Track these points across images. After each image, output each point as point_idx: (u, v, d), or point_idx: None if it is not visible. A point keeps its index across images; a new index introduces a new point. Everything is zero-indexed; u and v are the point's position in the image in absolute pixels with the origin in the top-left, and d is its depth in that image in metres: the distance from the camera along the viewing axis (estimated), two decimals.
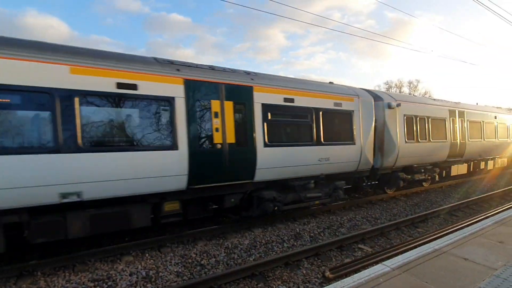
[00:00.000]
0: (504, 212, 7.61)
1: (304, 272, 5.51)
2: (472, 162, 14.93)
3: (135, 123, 5.95)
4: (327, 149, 8.56)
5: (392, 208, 10.10)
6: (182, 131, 6.20)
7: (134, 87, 5.73)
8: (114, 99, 5.64)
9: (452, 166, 13.51)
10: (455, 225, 8.06)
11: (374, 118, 9.94)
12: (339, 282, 3.87)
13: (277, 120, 7.77)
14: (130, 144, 5.84)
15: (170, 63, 6.56)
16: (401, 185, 11.57)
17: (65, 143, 5.09)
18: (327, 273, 5.31)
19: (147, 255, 6.04)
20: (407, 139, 10.89)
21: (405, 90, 54.95)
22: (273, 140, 7.56)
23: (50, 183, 4.98)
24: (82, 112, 5.28)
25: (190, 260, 5.85)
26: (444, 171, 13.33)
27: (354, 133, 9.26)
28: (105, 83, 5.49)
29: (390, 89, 53.87)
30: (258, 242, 6.83)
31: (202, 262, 5.82)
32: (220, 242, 6.75)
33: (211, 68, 7.14)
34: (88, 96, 5.37)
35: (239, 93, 7.13)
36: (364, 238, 7.13)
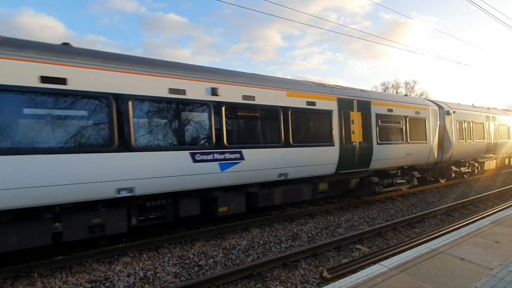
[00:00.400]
0: (500, 212, 7.68)
1: (302, 272, 5.52)
2: (499, 159, 17.93)
3: (316, 128, 8.91)
4: (411, 146, 11.45)
5: (389, 209, 10.15)
6: (336, 133, 9.09)
7: (314, 104, 8.68)
8: (305, 114, 8.52)
9: (485, 162, 16.50)
10: (451, 225, 8.11)
11: (438, 123, 12.91)
12: (337, 282, 3.88)
13: (384, 125, 10.61)
14: (312, 141, 8.60)
15: (323, 86, 9.66)
16: (452, 176, 14.79)
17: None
18: (325, 274, 5.33)
19: (144, 256, 6.02)
20: (459, 139, 13.82)
21: (402, 91, 55.23)
22: (382, 140, 10.43)
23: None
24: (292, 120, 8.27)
25: (188, 261, 5.85)
26: (480, 166, 16.34)
27: (427, 134, 12.24)
28: (301, 102, 8.35)
29: (387, 90, 54.14)
30: (256, 243, 6.84)
31: (200, 262, 5.82)
32: (218, 243, 6.75)
33: (344, 88, 10.35)
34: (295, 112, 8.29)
35: (364, 106, 10.03)
36: (361, 239, 7.16)
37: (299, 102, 8.32)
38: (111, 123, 5.57)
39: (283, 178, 7.99)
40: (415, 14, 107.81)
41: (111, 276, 5.19)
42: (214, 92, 6.81)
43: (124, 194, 5.69)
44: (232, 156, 6.99)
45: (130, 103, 5.76)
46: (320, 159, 8.71)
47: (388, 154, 10.60)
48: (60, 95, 5.14)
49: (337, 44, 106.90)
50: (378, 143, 10.16)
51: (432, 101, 13.56)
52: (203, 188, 6.83)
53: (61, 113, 5.22)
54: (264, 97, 7.67)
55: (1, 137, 4.64)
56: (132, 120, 5.77)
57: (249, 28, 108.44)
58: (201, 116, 6.74)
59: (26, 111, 4.96)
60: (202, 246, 6.55)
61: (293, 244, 6.93)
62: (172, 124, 6.45)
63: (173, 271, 5.46)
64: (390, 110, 10.80)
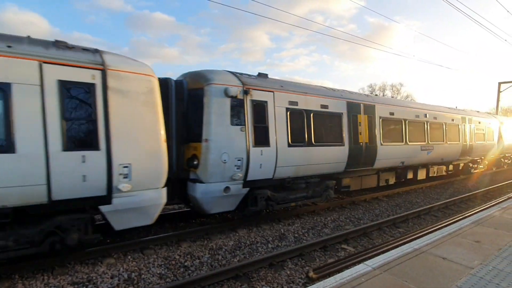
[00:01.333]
0: (481, 212, 7.91)
1: (288, 272, 5.55)
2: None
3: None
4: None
5: (374, 209, 10.31)
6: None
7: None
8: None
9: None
10: (434, 225, 8.31)
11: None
12: (322, 282, 3.91)
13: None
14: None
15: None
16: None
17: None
18: (311, 273, 5.36)
19: (129, 257, 5.92)
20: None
21: (388, 93, 56.25)
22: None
23: None
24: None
25: (173, 262, 5.78)
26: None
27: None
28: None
29: (373, 92, 55.00)
30: (242, 243, 6.82)
31: (186, 263, 5.76)
32: (205, 244, 6.71)
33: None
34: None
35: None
36: (347, 239, 7.25)
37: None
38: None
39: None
40: (399, 18, 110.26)
41: (94, 278, 5.08)
42: None
43: None
44: None
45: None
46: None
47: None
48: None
49: (324, 46, 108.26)
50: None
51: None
52: None
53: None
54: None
55: None
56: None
57: (236, 29, 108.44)
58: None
59: None
60: (188, 247, 6.49)
61: (279, 244, 6.95)
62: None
63: (158, 272, 5.38)
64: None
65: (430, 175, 14.34)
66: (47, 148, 4.66)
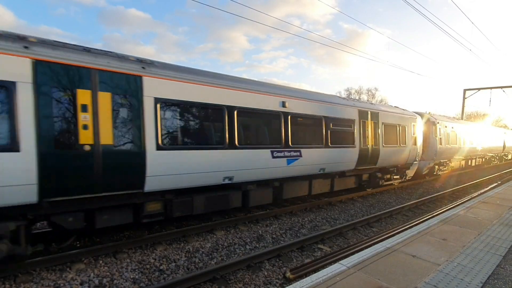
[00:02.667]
0: (447, 211, 8.33)
1: (266, 273, 5.55)
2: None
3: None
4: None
5: (350, 209, 10.58)
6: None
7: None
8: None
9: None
10: (405, 224, 8.66)
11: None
12: (298, 282, 3.94)
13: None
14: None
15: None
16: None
17: None
18: (288, 274, 5.40)
19: (101, 261, 5.68)
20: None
21: (364, 97, 58.10)
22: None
23: None
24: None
25: (148, 266, 5.61)
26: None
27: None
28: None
29: (350, 95, 56.62)
30: (220, 245, 6.76)
31: (161, 267, 5.62)
32: (181, 246, 6.57)
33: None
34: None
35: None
36: (323, 238, 7.38)
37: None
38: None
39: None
40: (371, 25, 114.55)
41: (62, 285, 4.82)
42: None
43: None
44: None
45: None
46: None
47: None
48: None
49: (301, 50, 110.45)
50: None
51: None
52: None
53: None
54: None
55: None
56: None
57: (214, 29, 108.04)
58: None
59: None
60: (164, 250, 6.33)
61: (257, 245, 6.95)
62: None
63: (131, 277, 5.20)
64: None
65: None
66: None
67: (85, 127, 5.25)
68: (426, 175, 17.80)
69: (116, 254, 5.99)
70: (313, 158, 9.53)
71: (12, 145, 4.59)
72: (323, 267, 5.39)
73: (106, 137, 5.45)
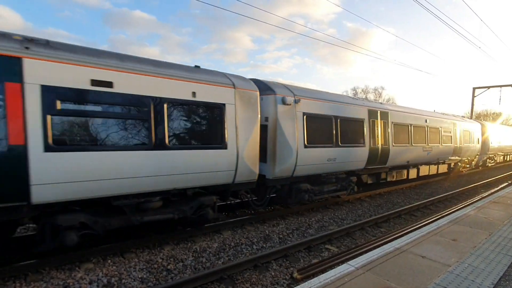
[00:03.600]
0: (457, 211, 8.20)
1: (273, 274, 5.54)
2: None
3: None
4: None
5: (357, 209, 10.49)
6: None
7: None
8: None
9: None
10: (414, 224, 8.54)
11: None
12: (306, 283, 3.92)
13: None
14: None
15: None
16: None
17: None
18: (295, 274, 5.38)
19: (109, 261, 5.73)
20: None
21: (371, 96, 57.62)
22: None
23: None
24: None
25: (156, 265, 5.65)
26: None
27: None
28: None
29: (357, 95, 56.21)
30: (227, 245, 6.76)
31: (169, 267, 5.64)
32: (188, 246, 6.60)
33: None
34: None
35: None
36: (331, 239, 7.33)
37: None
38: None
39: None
40: (375, 23, 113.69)
41: (71, 284, 4.87)
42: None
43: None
44: None
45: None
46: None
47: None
48: None
49: (305, 50, 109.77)
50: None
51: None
52: None
53: None
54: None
55: None
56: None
57: (218, 30, 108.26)
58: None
59: None
60: (171, 250, 6.36)
61: (264, 245, 6.94)
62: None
63: (139, 276, 5.24)
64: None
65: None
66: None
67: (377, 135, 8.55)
68: (480, 165, 23.04)
69: (124, 254, 6.04)
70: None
71: None
72: (331, 267, 5.36)
73: None
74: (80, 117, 5.15)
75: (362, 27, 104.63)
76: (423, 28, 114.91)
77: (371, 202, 11.69)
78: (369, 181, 12.33)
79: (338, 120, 9.89)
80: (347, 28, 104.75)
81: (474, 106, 33.14)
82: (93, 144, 5.27)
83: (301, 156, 8.61)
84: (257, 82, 8.31)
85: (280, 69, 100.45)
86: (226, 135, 6.89)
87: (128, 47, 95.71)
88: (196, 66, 7.19)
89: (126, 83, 5.57)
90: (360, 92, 58.50)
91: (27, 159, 4.60)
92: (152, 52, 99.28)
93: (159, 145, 5.87)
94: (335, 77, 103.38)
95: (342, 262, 5.47)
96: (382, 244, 6.22)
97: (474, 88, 32.63)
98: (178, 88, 6.19)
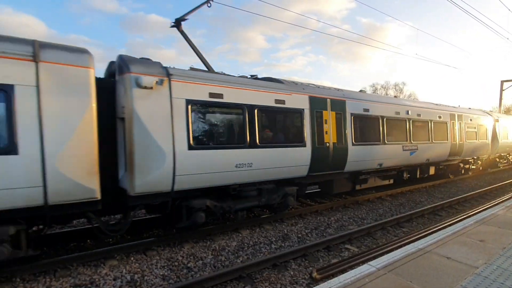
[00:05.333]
0: (484, 211, 7.84)
1: (292, 273, 5.52)
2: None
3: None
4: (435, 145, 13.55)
5: (378, 208, 10.26)
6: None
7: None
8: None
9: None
10: (438, 224, 8.25)
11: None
12: (325, 283, 3.88)
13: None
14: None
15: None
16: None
17: None
18: (314, 274, 5.33)
19: (132, 258, 5.92)
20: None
21: (391, 92, 56.06)
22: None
23: None
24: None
25: (176, 263, 5.77)
26: None
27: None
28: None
29: (376, 91, 54.86)
30: (245, 244, 6.80)
31: (189, 264, 5.75)
32: (207, 244, 6.69)
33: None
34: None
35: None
36: (351, 239, 7.21)
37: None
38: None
39: (379, 167, 11.08)
40: (390, 19, 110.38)
41: (97, 280, 5.07)
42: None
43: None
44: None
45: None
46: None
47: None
48: None
49: (319, 47, 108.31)
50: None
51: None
52: None
53: None
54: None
55: None
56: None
57: (231, 30, 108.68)
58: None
59: None
60: (191, 248, 6.48)
61: (283, 244, 6.92)
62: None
63: (161, 273, 5.37)
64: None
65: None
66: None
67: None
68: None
69: (146, 251, 6.21)
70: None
71: None
72: (351, 267, 5.27)
73: None
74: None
75: (376, 22, 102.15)
76: (444, 21, 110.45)
77: (392, 201, 11.39)
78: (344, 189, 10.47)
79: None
80: (361, 23, 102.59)
81: (503, 100, 31.51)
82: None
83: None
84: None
85: (295, 67, 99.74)
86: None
87: (145, 50, 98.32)
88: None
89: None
90: (380, 88, 57.04)
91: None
92: (168, 54, 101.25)
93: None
94: (351, 74, 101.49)
95: (363, 263, 5.37)
96: (404, 245, 6.05)
97: (502, 81, 31.00)
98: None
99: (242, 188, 7.38)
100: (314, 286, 4.61)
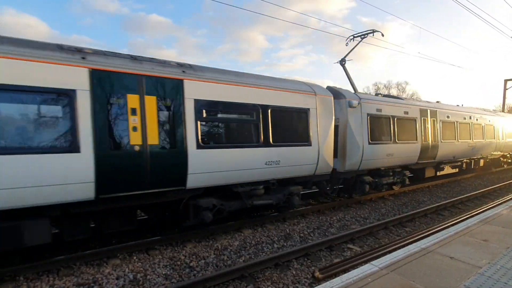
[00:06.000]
0: (488, 211, 7.80)
1: (294, 272, 5.52)
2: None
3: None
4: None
5: (380, 208, 10.23)
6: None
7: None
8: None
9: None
10: (441, 224, 8.22)
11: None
12: (328, 282, 3.87)
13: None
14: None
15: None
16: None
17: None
18: (317, 273, 5.33)
19: (134, 257, 5.93)
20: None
21: (393, 91, 55.91)
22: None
23: None
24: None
25: (179, 262, 5.78)
26: None
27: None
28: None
29: (379, 90, 54.72)
30: (248, 243, 6.81)
31: (191, 264, 5.76)
32: (210, 244, 6.70)
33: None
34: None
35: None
36: (353, 238, 7.19)
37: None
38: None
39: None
40: (390, 18, 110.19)
41: (99, 279, 5.09)
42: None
43: None
44: None
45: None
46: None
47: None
48: None
49: (320, 46, 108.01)
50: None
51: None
52: None
53: None
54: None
55: None
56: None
57: (232, 30, 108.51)
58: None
59: None
60: (193, 247, 6.49)
61: (285, 244, 6.92)
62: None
63: (163, 273, 5.39)
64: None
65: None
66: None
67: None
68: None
69: (149, 251, 6.23)
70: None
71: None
72: (353, 267, 5.25)
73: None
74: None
75: (377, 21, 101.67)
76: (444, 21, 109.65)
77: (395, 200, 11.35)
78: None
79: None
80: (362, 23, 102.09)
81: (506, 99, 31.29)
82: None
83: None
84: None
85: (296, 67, 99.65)
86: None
87: (146, 50, 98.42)
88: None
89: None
90: (382, 88, 56.88)
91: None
92: (169, 54, 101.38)
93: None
94: (352, 73, 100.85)
95: (365, 262, 5.35)
96: (407, 244, 6.03)
97: (505, 80, 30.80)
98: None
99: (385, 169, 11.61)
100: (316, 285, 4.60)
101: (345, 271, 5.20)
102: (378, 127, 10.59)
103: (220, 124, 7.03)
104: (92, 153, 5.17)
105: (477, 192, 12.55)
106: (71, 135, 5.04)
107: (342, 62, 11.85)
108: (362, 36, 11.86)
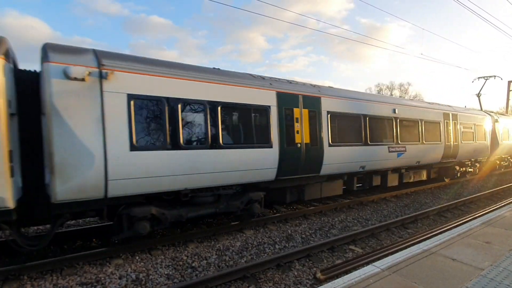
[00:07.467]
0: (491, 213, 7.77)
1: (296, 273, 5.52)
2: None
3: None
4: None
5: (382, 209, 10.21)
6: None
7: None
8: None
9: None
10: (443, 226, 8.18)
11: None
12: (330, 283, 3.88)
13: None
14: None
15: (430, 103, 14.19)
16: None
17: None
18: (318, 275, 5.33)
19: (137, 257, 5.96)
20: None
21: (396, 92, 55.76)
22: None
23: None
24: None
25: (181, 263, 5.81)
26: None
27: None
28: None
29: (381, 91, 54.61)
30: (249, 244, 6.82)
31: (193, 264, 5.78)
32: (212, 244, 6.72)
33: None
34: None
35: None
36: (355, 239, 7.18)
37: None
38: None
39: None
40: (389, 19, 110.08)
41: (102, 278, 5.12)
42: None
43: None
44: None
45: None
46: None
47: (466, 150, 14.71)
48: None
49: (321, 47, 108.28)
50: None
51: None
52: None
53: None
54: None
55: None
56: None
57: (232, 31, 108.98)
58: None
59: None
60: (195, 248, 6.51)
61: (287, 245, 6.93)
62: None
63: (165, 273, 5.41)
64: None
65: None
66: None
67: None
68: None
69: (151, 251, 6.26)
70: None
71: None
72: (355, 268, 5.26)
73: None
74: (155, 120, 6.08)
75: (376, 22, 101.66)
76: (445, 21, 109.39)
77: (397, 202, 11.32)
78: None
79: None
80: (361, 24, 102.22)
81: (510, 101, 31.11)
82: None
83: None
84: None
85: (297, 68, 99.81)
86: None
87: (147, 51, 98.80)
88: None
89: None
90: (385, 89, 56.76)
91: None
92: (170, 55, 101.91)
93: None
94: (353, 74, 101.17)
95: (367, 263, 5.36)
96: (409, 246, 6.02)
97: (509, 82, 30.64)
98: None
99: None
100: (318, 286, 4.61)
101: (347, 272, 5.20)
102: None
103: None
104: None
105: (480, 194, 12.47)
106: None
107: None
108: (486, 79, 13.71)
